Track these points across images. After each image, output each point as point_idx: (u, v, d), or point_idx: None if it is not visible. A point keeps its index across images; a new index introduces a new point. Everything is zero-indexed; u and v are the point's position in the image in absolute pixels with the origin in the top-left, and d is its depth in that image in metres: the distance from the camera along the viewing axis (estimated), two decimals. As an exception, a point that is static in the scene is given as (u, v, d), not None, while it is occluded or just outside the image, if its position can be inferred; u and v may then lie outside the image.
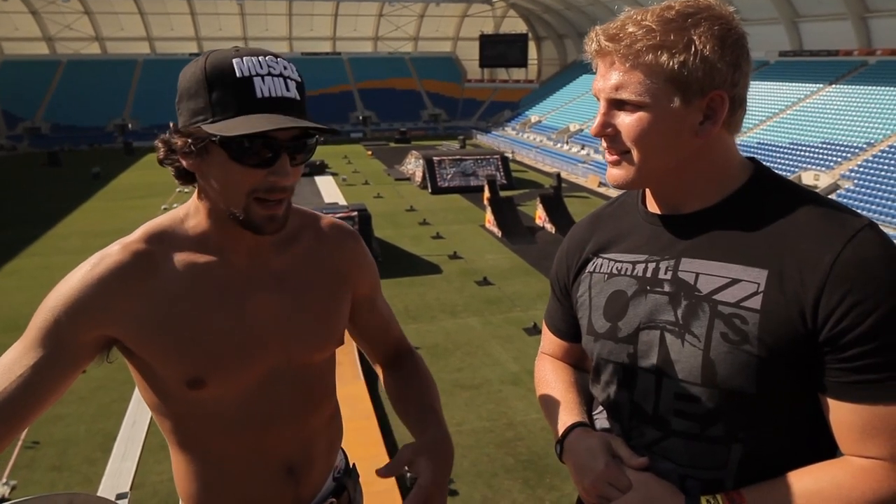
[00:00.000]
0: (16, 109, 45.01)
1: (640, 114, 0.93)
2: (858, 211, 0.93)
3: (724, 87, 0.91)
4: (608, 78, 0.95)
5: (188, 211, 1.08)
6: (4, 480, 7.69)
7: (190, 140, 0.96)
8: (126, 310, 1.00)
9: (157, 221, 1.09)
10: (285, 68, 0.97)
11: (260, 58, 0.95)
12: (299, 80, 0.99)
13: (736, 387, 0.90)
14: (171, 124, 0.99)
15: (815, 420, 0.91)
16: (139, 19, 51.65)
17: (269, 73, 0.95)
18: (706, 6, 0.92)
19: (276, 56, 0.97)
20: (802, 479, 0.88)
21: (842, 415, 0.87)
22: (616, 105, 0.96)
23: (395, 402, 1.31)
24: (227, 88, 0.93)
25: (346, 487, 1.29)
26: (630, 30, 0.92)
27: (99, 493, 1.11)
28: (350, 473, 1.34)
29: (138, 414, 9.21)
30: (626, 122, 0.95)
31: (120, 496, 6.82)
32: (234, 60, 0.94)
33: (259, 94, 0.93)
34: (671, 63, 0.90)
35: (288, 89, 0.96)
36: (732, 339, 0.90)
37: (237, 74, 0.93)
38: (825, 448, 0.91)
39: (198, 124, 0.94)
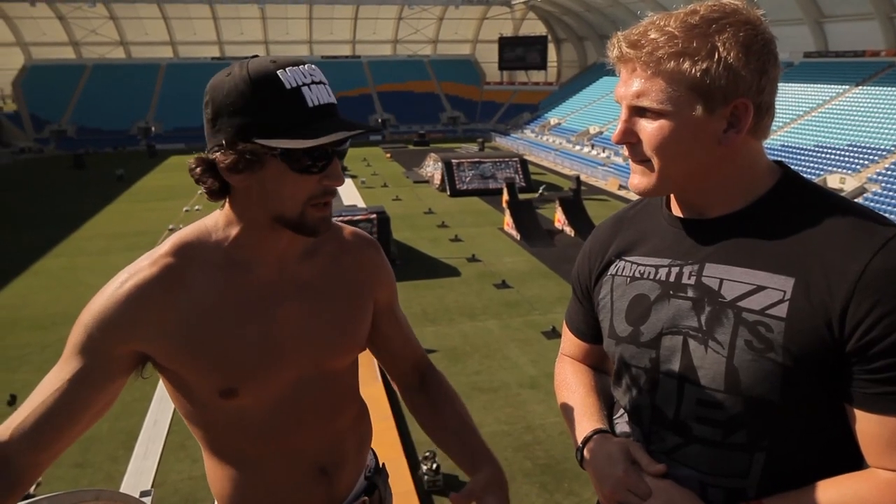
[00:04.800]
0: (43, 113, 45.91)
1: (662, 121, 0.92)
2: (886, 215, 0.91)
3: (748, 95, 0.90)
4: (630, 85, 0.94)
5: (216, 223, 1.08)
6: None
7: (244, 156, 0.95)
8: (156, 324, 1.01)
9: (185, 233, 1.09)
10: (321, 75, 0.99)
11: (300, 67, 0.96)
12: (328, 82, 1.01)
13: (759, 395, 0.89)
14: (219, 141, 0.97)
15: (841, 430, 0.89)
16: (163, 24, 52.38)
17: (313, 82, 0.96)
18: (732, 10, 0.90)
19: (306, 63, 0.99)
20: (826, 491, 0.86)
21: (868, 426, 0.85)
22: (638, 112, 0.95)
23: (431, 429, 1.32)
24: (280, 101, 0.94)
25: (377, 486, 1.32)
26: (652, 36, 0.91)
27: (121, 491, 1.13)
28: (380, 472, 1.36)
29: (160, 413, 9.33)
30: (648, 129, 0.94)
31: (144, 494, 6.91)
32: (279, 73, 0.94)
33: (310, 104, 0.95)
34: (693, 71, 0.88)
35: (329, 95, 0.99)
36: (757, 347, 0.88)
37: (286, 86, 0.94)
38: (851, 459, 0.89)
39: (251, 139, 0.94)
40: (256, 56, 1.00)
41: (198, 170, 0.99)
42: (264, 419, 1.11)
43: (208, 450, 1.16)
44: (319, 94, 0.96)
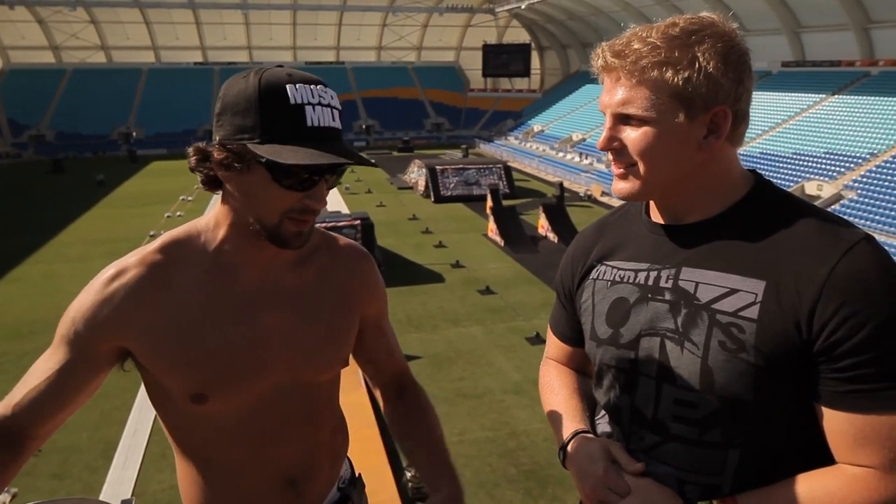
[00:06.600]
0: (21, 117, 45.26)
1: (646, 128, 0.96)
2: (862, 221, 0.95)
3: (726, 103, 0.94)
4: (614, 94, 0.98)
5: (208, 224, 1.09)
6: (6, 488, 7.67)
7: (233, 155, 0.97)
8: (139, 322, 1.02)
9: (176, 233, 1.10)
10: (332, 98, 1.00)
11: (312, 86, 0.97)
12: (340, 108, 1.02)
13: (733, 394, 0.92)
14: (216, 137, 1.00)
15: (812, 428, 0.92)
16: (144, 28, 51.92)
17: (319, 103, 0.97)
18: (710, 23, 0.95)
19: (325, 85, 1.00)
20: (796, 487, 0.90)
21: (835, 423, 0.89)
22: (622, 120, 0.98)
23: (401, 440, 1.31)
24: (280, 113, 0.95)
25: (351, 497, 1.30)
26: (635, 46, 0.94)
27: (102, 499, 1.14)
28: (356, 483, 1.34)
29: (139, 422, 9.20)
30: (632, 136, 0.97)
31: (125, 502, 6.81)
32: (287, 86, 0.95)
33: (309, 123, 0.96)
34: (676, 79, 0.92)
35: (334, 119, 0.99)
36: (730, 348, 0.92)
37: (290, 101, 0.95)
38: (821, 455, 0.92)
39: (244, 142, 0.96)
40: (280, 66, 1.01)
41: (193, 158, 1.03)
42: (236, 427, 1.11)
43: (179, 453, 1.16)
44: (322, 117, 0.97)
